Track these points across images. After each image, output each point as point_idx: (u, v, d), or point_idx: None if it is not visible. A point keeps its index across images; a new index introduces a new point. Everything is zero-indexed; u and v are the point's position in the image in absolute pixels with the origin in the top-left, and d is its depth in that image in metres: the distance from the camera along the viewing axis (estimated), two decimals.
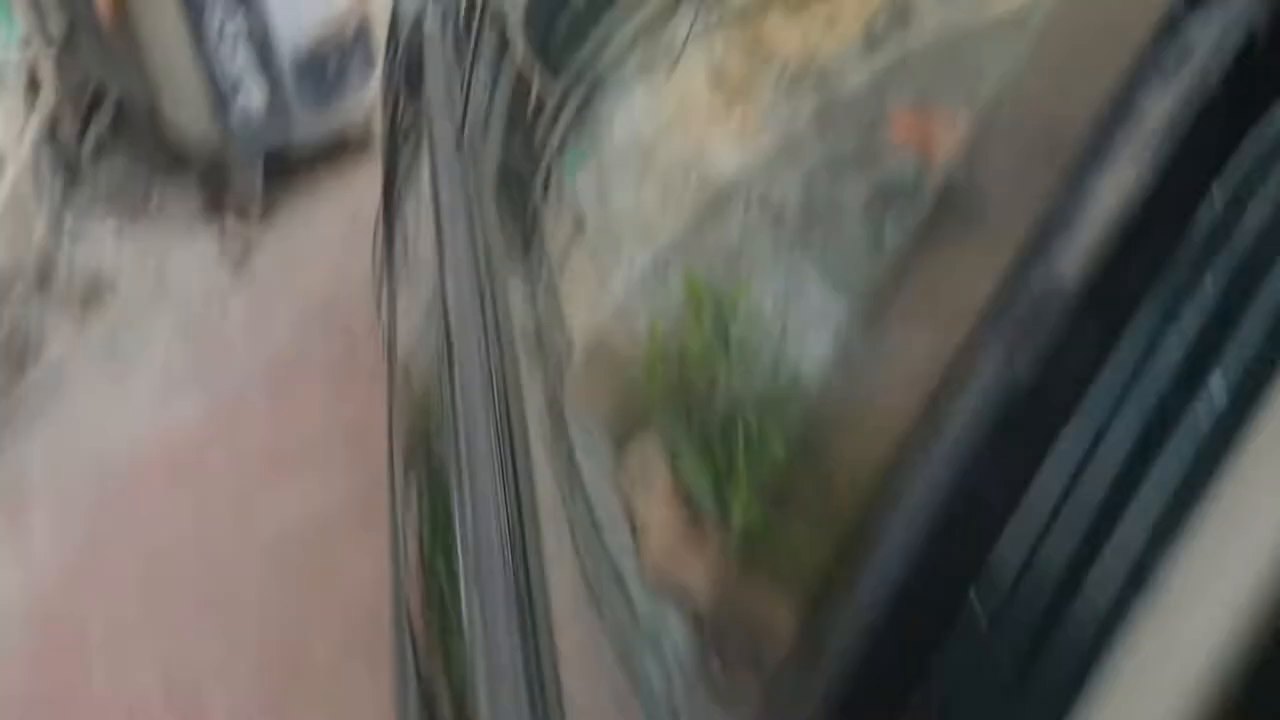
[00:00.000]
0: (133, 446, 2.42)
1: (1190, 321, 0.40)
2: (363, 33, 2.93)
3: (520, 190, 1.25)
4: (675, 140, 1.26)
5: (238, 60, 2.63)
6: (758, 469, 0.87)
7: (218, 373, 2.58)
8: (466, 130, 1.16)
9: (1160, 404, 0.41)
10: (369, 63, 3.00)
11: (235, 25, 2.57)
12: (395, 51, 1.52)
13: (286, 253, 2.93)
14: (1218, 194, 0.40)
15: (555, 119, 1.29)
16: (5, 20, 2.61)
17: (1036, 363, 0.41)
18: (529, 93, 1.32)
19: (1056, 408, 0.42)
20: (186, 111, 2.86)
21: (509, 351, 1.07)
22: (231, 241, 2.89)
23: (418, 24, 1.38)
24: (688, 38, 1.31)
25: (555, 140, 1.29)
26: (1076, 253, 0.41)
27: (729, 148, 1.23)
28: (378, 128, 3.22)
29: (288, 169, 3.14)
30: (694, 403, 1.01)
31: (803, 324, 1.02)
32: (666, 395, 1.03)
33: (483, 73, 1.24)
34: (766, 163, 1.17)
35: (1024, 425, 0.42)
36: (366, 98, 3.05)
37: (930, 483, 0.46)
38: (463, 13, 1.29)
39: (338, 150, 3.20)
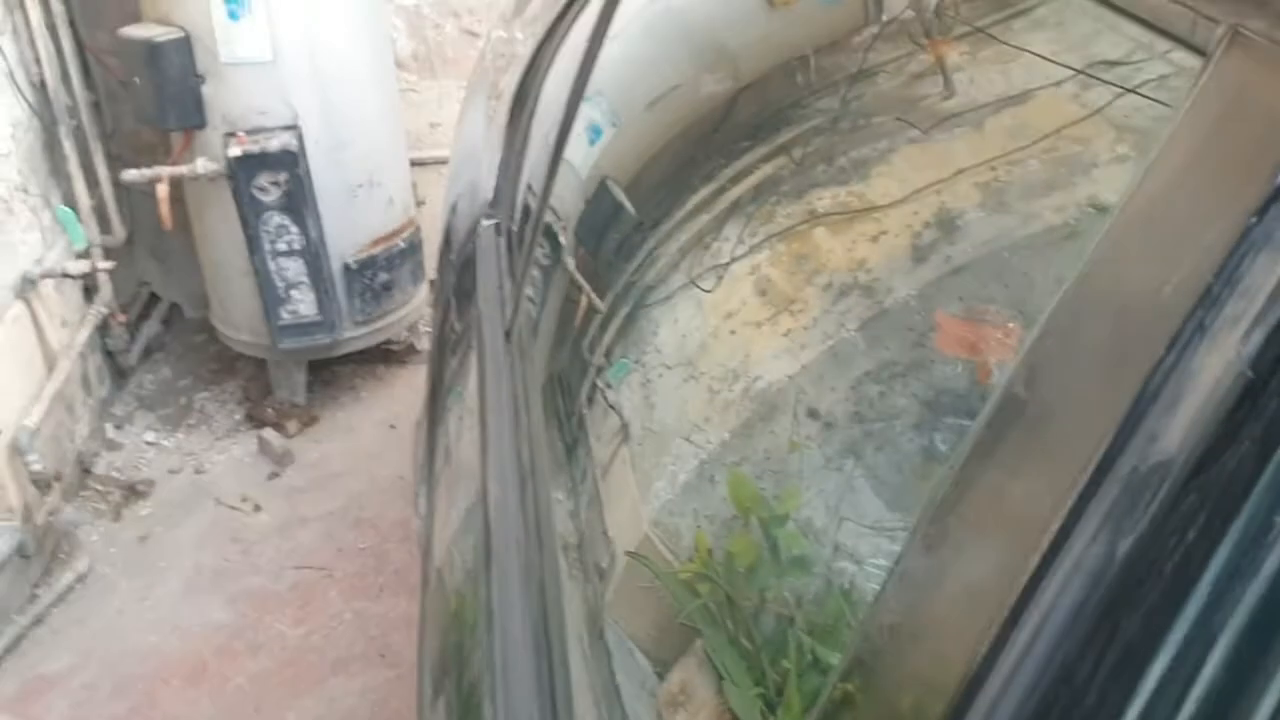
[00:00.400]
0: (155, 647, 2.37)
1: None
2: (413, 247, 3.02)
3: (566, 396, 1.24)
4: (722, 349, 1.25)
5: (289, 271, 2.71)
6: (811, 693, 0.82)
7: (245, 577, 2.54)
8: (515, 333, 1.16)
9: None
10: (417, 276, 3.08)
11: (289, 238, 2.66)
12: (449, 261, 1.56)
13: (322, 460, 2.93)
14: None
15: (603, 329, 1.30)
16: (72, 230, 2.71)
17: (1141, 542, 0.38)
18: (578, 302, 1.33)
19: (1165, 592, 0.38)
20: (236, 318, 2.93)
21: (550, 562, 1.03)
22: (269, 448, 2.90)
23: (472, 235, 1.41)
24: (735, 253, 1.32)
25: (602, 349, 1.29)
26: (1181, 429, 0.38)
27: (776, 356, 1.22)
28: (420, 340, 3.29)
29: (329, 377, 3.19)
30: (741, 619, 0.97)
31: (856, 536, 0.98)
32: (712, 611, 0.98)
33: (534, 279, 1.26)
34: (815, 372, 1.16)
35: (1128, 613, 0.38)
36: (412, 310, 3.12)
37: (1021, 689, 0.42)
38: (517, 222, 1.31)
39: (380, 360, 3.25)
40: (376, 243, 2.88)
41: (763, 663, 0.89)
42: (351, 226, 2.81)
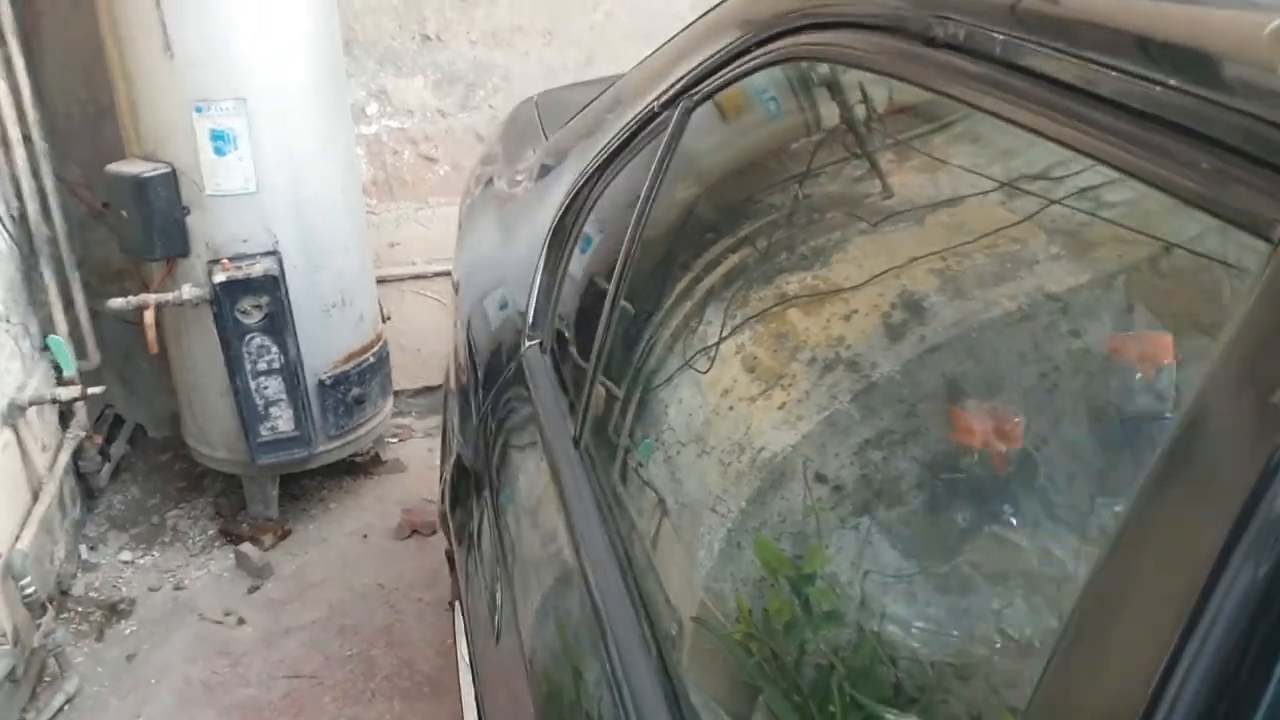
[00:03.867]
0: None
1: None
2: (381, 360, 3.13)
3: (610, 480, 1.35)
4: (724, 424, 1.34)
5: (269, 389, 2.80)
6: None
7: (237, 689, 2.57)
8: (584, 441, 1.29)
9: None
10: (385, 389, 3.19)
11: (269, 357, 2.75)
12: (475, 375, 1.69)
13: (299, 571, 2.98)
14: None
15: (623, 416, 1.42)
16: (61, 357, 2.78)
17: None
18: (613, 399, 1.45)
19: None
20: (213, 436, 2.99)
21: (661, 632, 1.09)
22: (248, 562, 2.94)
23: (514, 353, 1.54)
24: (721, 334, 1.43)
25: (626, 433, 1.41)
26: None
27: (776, 428, 1.31)
28: (385, 451, 3.38)
29: (298, 491, 3.25)
30: (788, 672, 1.03)
31: (880, 586, 1.08)
32: (765, 666, 1.05)
33: (580, 386, 1.40)
34: (816, 441, 1.26)
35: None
36: (380, 423, 3.21)
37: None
38: (555, 340, 1.44)
39: (345, 472, 3.32)
40: (349, 358, 3.00)
41: (812, 711, 0.96)
42: (325, 344, 2.92)
